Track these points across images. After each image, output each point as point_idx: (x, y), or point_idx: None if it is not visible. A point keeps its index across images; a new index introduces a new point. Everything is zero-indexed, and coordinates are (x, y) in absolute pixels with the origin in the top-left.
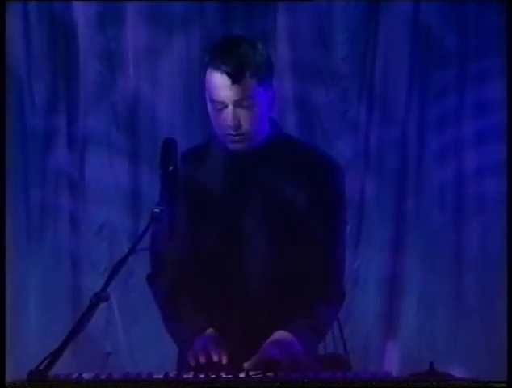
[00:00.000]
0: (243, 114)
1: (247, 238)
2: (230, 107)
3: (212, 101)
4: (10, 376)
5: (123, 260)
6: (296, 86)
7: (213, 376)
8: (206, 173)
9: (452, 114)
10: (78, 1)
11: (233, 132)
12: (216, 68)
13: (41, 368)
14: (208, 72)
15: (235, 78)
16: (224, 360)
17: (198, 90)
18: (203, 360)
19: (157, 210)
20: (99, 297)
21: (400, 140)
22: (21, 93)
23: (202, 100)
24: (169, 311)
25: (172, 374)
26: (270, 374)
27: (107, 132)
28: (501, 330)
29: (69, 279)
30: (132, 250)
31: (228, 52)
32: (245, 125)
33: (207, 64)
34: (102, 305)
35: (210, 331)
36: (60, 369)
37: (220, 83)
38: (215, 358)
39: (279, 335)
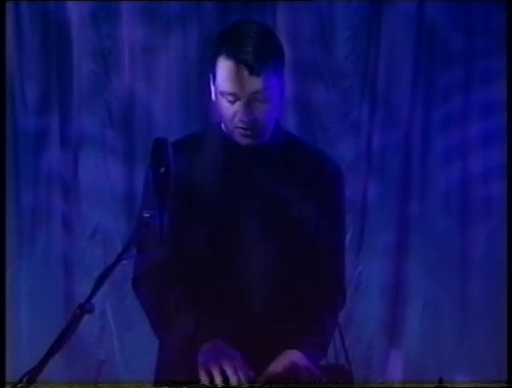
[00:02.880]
0: (258, 107)
1: (245, 240)
2: (244, 101)
3: (223, 93)
4: None
5: (109, 269)
6: (297, 86)
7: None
8: (201, 169)
9: (457, 115)
10: None
11: (246, 126)
12: (231, 56)
13: (20, 386)
14: (220, 60)
15: (253, 69)
16: (243, 376)
17: (195, 90)
18: (217, 376)
19: (146, 215)
20: (83, 309)
21: (403, 141)
22: (13, 92)
23: (199, 100)
24: (158, 318)
25: None
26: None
27: (101, 133)
28: (507, 338)
29: (62, 284)
30: (119, 259)
31: (245, 40)
32: (260, 119)
33: (218, 51)
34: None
35: (216, 341)
36: (52, 377)
37: (235, 74)
38: (232, 373)
39: (290, 353)
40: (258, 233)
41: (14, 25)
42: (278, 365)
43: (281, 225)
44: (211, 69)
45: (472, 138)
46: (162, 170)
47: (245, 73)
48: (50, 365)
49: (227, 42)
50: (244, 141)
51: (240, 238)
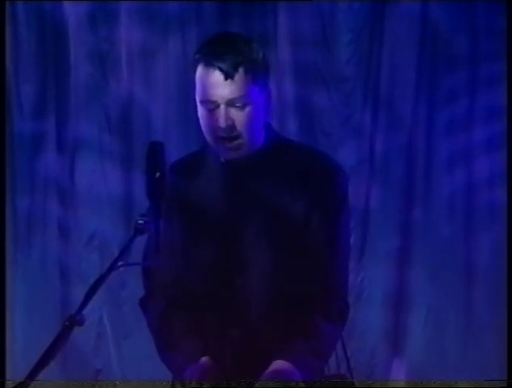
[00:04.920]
0: (236, 115)
1: (244, 253)
2: (222, 107)
3: (203, 101)
4: None
5: (102, 279)
6: (298, 90)
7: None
8: (199, 185)
9: (462, 119)
10: (69, 0)
11: (226, 135)
12: (208, 64)
13: None
14: (199, 69)
15: (228, 74)
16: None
17: (193, 93)
18: None
19: (140, 222)
20: (73, 321)
21: (406, 146)
22: (9, 96)
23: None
24: (162, 337)
25: None
26: None
27: (98, 137)
28: (507, 339)
29: (58, 291)
30: (112, 268)
31: (221, 48)
32: (239, 127)
33: (198, 61)
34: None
35: (204, 359)
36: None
37: (211, 80)
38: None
39: (278, 365)
40: (258, 243)
41: (11, 26)
42: (265, 377)
43: (279, 233)
44: (193, 81)
45: (476, 143)
46: (158, 175)
47: (221, 78)
48: (45, 374)
49: (204, 50)
50: (226, 154)
51: (241, 254)
